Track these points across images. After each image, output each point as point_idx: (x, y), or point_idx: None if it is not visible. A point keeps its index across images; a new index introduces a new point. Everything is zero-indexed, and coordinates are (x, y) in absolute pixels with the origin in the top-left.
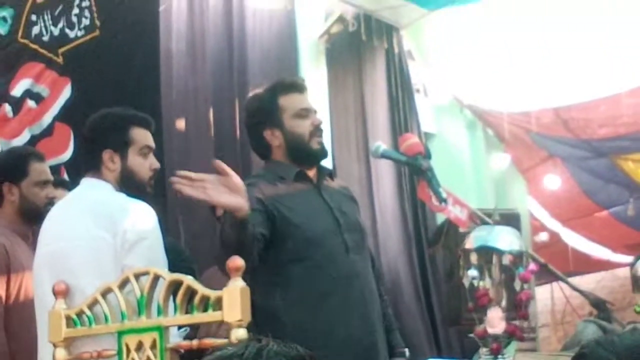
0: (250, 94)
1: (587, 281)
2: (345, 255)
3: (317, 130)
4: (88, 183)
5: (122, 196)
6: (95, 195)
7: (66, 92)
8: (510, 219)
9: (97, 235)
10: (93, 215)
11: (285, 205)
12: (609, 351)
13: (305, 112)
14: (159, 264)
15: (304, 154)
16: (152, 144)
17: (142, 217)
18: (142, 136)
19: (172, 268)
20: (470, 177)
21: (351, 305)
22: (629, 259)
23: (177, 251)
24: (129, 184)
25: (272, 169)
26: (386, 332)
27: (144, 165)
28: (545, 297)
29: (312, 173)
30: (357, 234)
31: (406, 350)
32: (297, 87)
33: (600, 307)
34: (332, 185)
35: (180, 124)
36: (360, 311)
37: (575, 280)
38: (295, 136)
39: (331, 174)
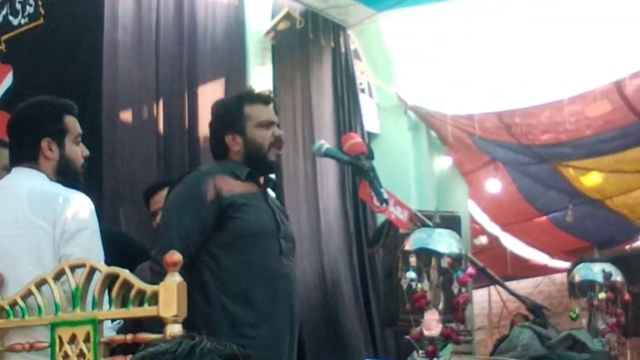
0: (219, 99)
1: (524, 286)
2: (277, 257)
3: (277, 141)
4: (21, 172)
5: (59, 186)
6: (31, 184)
7: (8, 80)
8: (451, 222)
9: (36, 225)
10: (31, 205)
11: (235, 198)
12: None
13: (267, 123)
14: (98, 253)
15: (260, 163)
16: (81, 131)
17: (81, 207)
18: (75, 124)
19: (125, 259)
20: (412, 178)
21: (275, 303)
22: (566, 264)
23: (127, 241)
24: (65, 173)
25: (226, 166)
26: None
27: (78, 153)
28: (483, 300)
29: (260, 179)
30: (290, 243)
31: None
32: (263, 98)
33: (537, 312)
34: (273, 196)
35: (125, 115)
36: (282, 310)
37: (512, 284)
38: (255, 145)
39: (275, 186)
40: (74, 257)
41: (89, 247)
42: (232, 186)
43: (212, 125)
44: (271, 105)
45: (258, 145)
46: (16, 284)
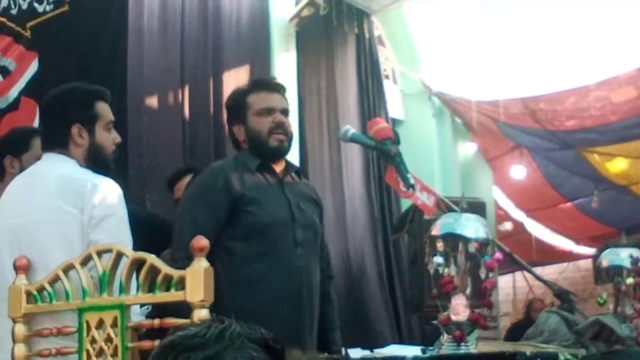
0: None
1: (549, 272)
2: (292, 249)
3: (277, 127)
4: (51, 158)
5: (88, 172)
6: (60, 170)
7: (33, 67)
8: (476, 208)
9: (65, 210)
10: (60, 191)
11: (246, 192)
12: None
13: (267, 110)
14: (125, 240)
15: (262, 150)
16: (113, 117)
17: (109, 193)
18: (107, 110)
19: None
20: (436, 164)
21: (286, 296)
22: (591, 250)
23: (160, 222)
24: (95, 160)
25: (240, 158)
26: (327, 331)
27: (109, 140)
28: (507, 286)
29: (278, 167)
30: (310, 231)
31: (343, 349)
32: (267, 86)
33: (564, 298)
34: (296, 183)
35: (150, 101)
36: (294, 304)
37: (537, 270)
38: (254, 132)
39: (298, 172)
40: (102, 243)
41: (117, 234)
42: (243, 179)
43: (226, 118)
44: (277, 94)
45: (256, 132)
46: (45, 270)
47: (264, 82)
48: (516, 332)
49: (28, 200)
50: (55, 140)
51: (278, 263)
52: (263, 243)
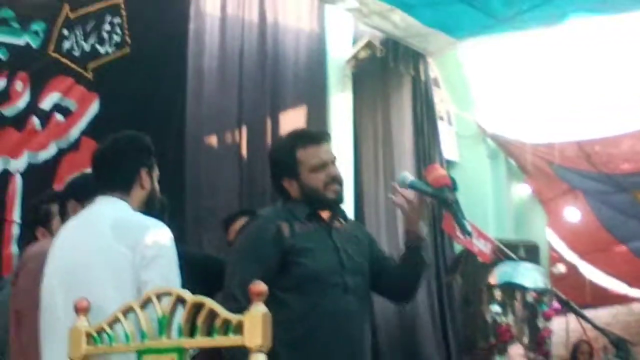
0: (275, 143)
1: (602, 315)
2: (342, 295)
3: (333, 181)
4: (107, 201)
5: (141, 215)
6: (115, 212)
7: (94, 108)
8: (530, 251)
9: (116, 250)
10: (112, 231)
11: (296, 242)
12: None
13: (320, 166)
14: (175, 280)
15: (319, 203)
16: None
17: (160, 235)
18: (156, 164)
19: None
20: (491, 206)
21: (340, 343)
22: None
23: (215, 262)
24: (151, 204)
25: (288, 207)
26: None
27: (158, 189)
28: (561, 328)
29: (325, 214)
30: (359, 276)
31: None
32: (315, 138)
33: (620, 345)
34: (343, 227)
35: (208, 141)
36: (348, 350)
37: (591, 313)
38: (311, 188)
39: (345, 217)
40: (152, 284)
41: (167, 274)
42: (293, 229)
43: (270, 171)
44: (325, 144)
45: (313, 188)
46: (98, 309)
47: (311, 135)
48: None
49: (81, 241)
50: (119, 182)
51: (329, 312)
52: (313, 292)
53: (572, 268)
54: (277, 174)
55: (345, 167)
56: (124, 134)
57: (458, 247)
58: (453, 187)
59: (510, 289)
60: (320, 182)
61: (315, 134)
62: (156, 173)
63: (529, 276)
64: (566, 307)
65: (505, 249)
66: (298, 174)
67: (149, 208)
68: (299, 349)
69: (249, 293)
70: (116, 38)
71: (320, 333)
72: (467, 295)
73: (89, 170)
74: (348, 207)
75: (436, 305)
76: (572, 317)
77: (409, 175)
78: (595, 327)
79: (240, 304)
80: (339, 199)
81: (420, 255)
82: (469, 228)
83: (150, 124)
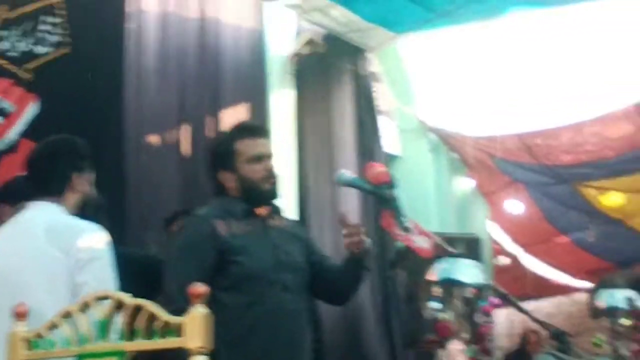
0: (215, 135)
1: (545, 305)
2: (280, 294)
3: (269, 174)
4: (39, 206)
5: (75, 218)
6: (47, 216)
7: (33, 109)
8: (471, 244)
9: (50, 254)
10: (46, 235)
11: (232, 241)
12: None
13: (258, 158)
14: (110, 282)
15: (255, 196)
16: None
17: (94, 238)
18: (91, 168)
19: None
20: (432, 200)
21: (280, 342)
22: (588, 284)
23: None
24: (85, 207)
25: (223, 204)
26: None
27: (93, 193)
28: (504, 320)
29: (262, 211)
30: (297, 273)
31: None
32: (254, 131)
33: (559, 338)
34: (280, 224)
35: (149, 140)
36: (288, 349)
37: (533, 304)
38: (247, 180)
39: (279, 212)
40: (87, 286)
41: (102, 276)
42: (229, 227)
43: (207, 163)
44: (264, 138)
45: (250, 181)
46: (33, 314)
47: (251, 128)
48: None
49: (15, 246)
50: (52, 186)
51: (268, 311)
52: (252, 292)
53: (514, 260)
54: (214, 166)
55: (287, 164)
56: (56, 138)
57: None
58: (392, 184)
59: (449, 285)
60: (257, 174)
61: (254, 127)
62: (91, 176)
63: (467, 272)
64: (505, 301)
65: (445, 245)
66: (235, 166)
67: (83, 211)
68: (239, 348)
69: (189, 295)
70: (55, 38)
71: (260, 332)
72: (410, 291)
73: (24, 173)
74: (291, 203)
75: (380, 301)
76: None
77: (347, 173)
78: (534, 319)
79: (179, 305)
80: (275, 192)
81: (362, 263)
82: (407, 225)
83: (90, 124)
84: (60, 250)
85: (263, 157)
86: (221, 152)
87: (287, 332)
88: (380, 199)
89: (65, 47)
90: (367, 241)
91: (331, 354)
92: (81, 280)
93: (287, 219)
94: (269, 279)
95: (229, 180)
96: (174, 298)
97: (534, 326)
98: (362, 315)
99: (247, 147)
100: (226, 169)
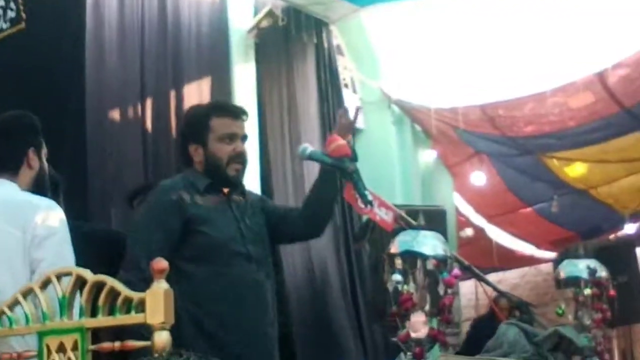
0: (191, 106)
1: (511, 276)
2: (245, 265)
3: (237, 157)
4: None
5: (30, 194)
6: (2, 194)
7: None
8: (436, 216)
9: (7, 232)
10: (1, 213)
11: (197, 212)
12: None
13: (230, 137)
14: (68, 258)
15: (219, 177)
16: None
17: (51, 214)
18: (44, 142)
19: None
20: (397, 172)
21: (244, 311)
22: (552, 254)
23: (117, 237)
24: (40, 183)
25: (188, 177)
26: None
27: (47, 168)
28: (470, 292)
29: (225, 189)
30: (259, 245)
31: None
32: (232, 112)
33: (523, 308)
34: (242, 199)
35: (111, 115)
36: (252, 317)
37: (499, 275)
38: (214, 158)
39: (244, 192)
40: (45, 263)
41: (59, 252)
42: (194, 199)
43: (179, 133)
44: (240, 120)
45: (216, 158)
46: None
47: (230, 107)
48: (478, 328)
49: None
50: (6, 164)
51: (233, 280)
52: (216, 262)
53: (479, 232)
54: (186, 136)
55: (250, 137)
56: (8, 114)
57: (366, 215)
58: (353, 157)
59: (411, 257)
60: (225, 155)
61: (234, 107)
62: (44, 151)
63: (429, 244)
64: (468, 273)
65: (407, 218)
66: (206, 141)
67: (38, 188)
68: (203, 317)
69: (151, 270)
70: (11, 14)
71: (225, 301)
72: (375, 263)
73: None
74: (254, 176)
75: (346, 274)
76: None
77: (309, 147)
78: (497, 291)
79: (144, 273)
80: (238, 179)
81: (334, 178)
82: (369, 197)
83: (51, 100)
84: (16, 228)
85: (235, 138)
86: (195, 125)
87: (251, 301)
88: (341, 172)
89: (22, 22)
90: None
91: (298, 327)
92: (38, 257)
93: (248, 194)
94: (233, 250)
95: (197, 154)
96: (139, 264)
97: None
98: (328, 289)
99: (221, 125)
100: (197, 142)
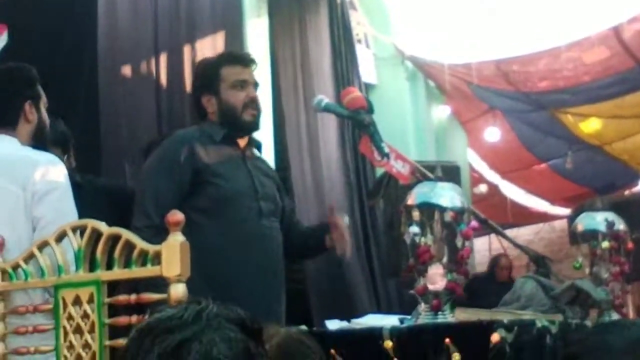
0: (200, 60)
1: (525, 233)
2: (257, 219)
3: (251, 102)
4: None
5: (30, 149)
6: (2, 150)
7: (2, 39)
8: (450, 172)
9: (7, 189)
10: (1, 170)
11: (210, 163)
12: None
13: (242, 84)
14: (70, 214)
15: (235, 124)
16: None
17: (51, 169)
18: (43, 93)
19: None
20: (410, 128)
21: (253, 264)
22: (566, 211)
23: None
24: (40, 137)
25: (204, 129)
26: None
27: (47, 120)
28: (484, 248)
29: (242, 141)
30: (271, 204)
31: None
32: (242, 60)
33: (539, 262)
34: (256, 158)
35: (124, 71)
36: (262, 270)
37: (513, 231)
38: (228, 106)
39: (259, 147)
40: (45, 219)
41: (61, 207)
42: (207, 150)
43: (192, 86)
44: (250, 68)
45: (231, 106)
46: None
47: (239, 56)
48: (474, 286)
49: None
50: (4, 119)
51: (244, 234)
52: (227, 214)
53: (493, 188)
54: (198, 88)
55: (264, 92)
56: (3, 67)
57: (380, 171)
58: (369, 109)
59: (428, 209)
60: (239, 101)
61: (243, 55)
62: (44, 102)
63: (446, 195)
64: (485, 226)
65: (424, 170)
66: (218, 90)
67: (38, 141)
68: (213, 269)
69: (165, 220)
70: None
71: (235, 254)
72: (390, 219)
73: None
74: (268, 131)
75: (360, 231)
76: (495, 237)
77: (324, 98)
78: (515, 244)
79: (152, 221)
80: (255, 123)
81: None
82: (386, 149)
83: (64, 56)
84: (16, 185)
85: (246, 84)
86: (206, 76)
87: (262, 255)
88: (357, 123)
89: None
90: (348, 253)
91: (312, 285)
92: (39, 214)
93: (262, 158)
94: (244, 203)
95: (211, 105)
96: (148, 212)
97: (514, 255)
98: None
99: (232, 73)
100: (209, 92)
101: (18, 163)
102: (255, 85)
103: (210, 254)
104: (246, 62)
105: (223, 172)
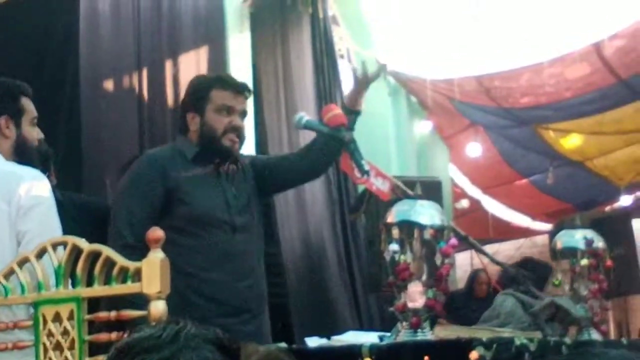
0: (198, 75)
1: (506, 248)
2: (230, 235)
3: (233, 130)
4: None
5: (14, 164)
6: None
7: None
8: (432, 187)
9: None
10: None
11: (181, 182)
12: None
13: (228, 110)
14: (55, 228)
15: (212, 147)
16: (36, 114)
17: (36, 184)
18: (31, 106)
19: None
20: (392, 143)
21: (230, 282)
22: (548, 226)
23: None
24: (22, 152)
25: (177, 146)
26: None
27: (34, 135)
28: (465, 263)
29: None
30: (246, 215)
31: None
32: (234, 86)
33: (519, 279)
34: (234, 167)
35: (106, 85)
36: (237, 291)
37: (494, 247)
38: (209, 128)
39: (236, 161)
40: (31, 233)
41: (46, 222)
42: (178, 170)
43: (182, 99)
44: (242, 96)
45: (212, 129)
46: None
47: (232, 82)
48: (453, 303)
49: None
50: None
51: (219, 251)
52: (199, 233)
53: (475, 203)
54: (185, 104)
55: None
56: None
57: (362, 186)
58: (350, 126)
59: (408, 226)
60: (221, 126)
61: (236, 82)
62: (28, 118)
63: (426, 213)
64: (465, 243)
65: (404, 187)
66: (204, 111)
67: (22, 157)
68: (188, 288)
69: (145, 238)
70: None
71: (210, 273)
72: (371, 235)
73: None
74: (250, 146)
75: (342, 245)
76: (475, 253)
77: (305, 116)
78: (493, 261)
79: (126, 241)
80: (233, 150)
81: (340, 134)
82: (366, 167)
83: (45, 69)
84: (1, 199)
85: (232, 111)
86: (195, 94)
87: (238, 273)
88: (338, 141)
89: None
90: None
91: (294, 298)
92: (24, 228)
93: (242, 160)
94: (217, 220)
95: (194, 123)
96: (122, 233)
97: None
98: (324, 260)
99: (220, 97)
100: (195, 111)
101: (3, 178)
102: (243, 114)
103: (184, 271)
104: (238, 89)
105: (193, 190)
